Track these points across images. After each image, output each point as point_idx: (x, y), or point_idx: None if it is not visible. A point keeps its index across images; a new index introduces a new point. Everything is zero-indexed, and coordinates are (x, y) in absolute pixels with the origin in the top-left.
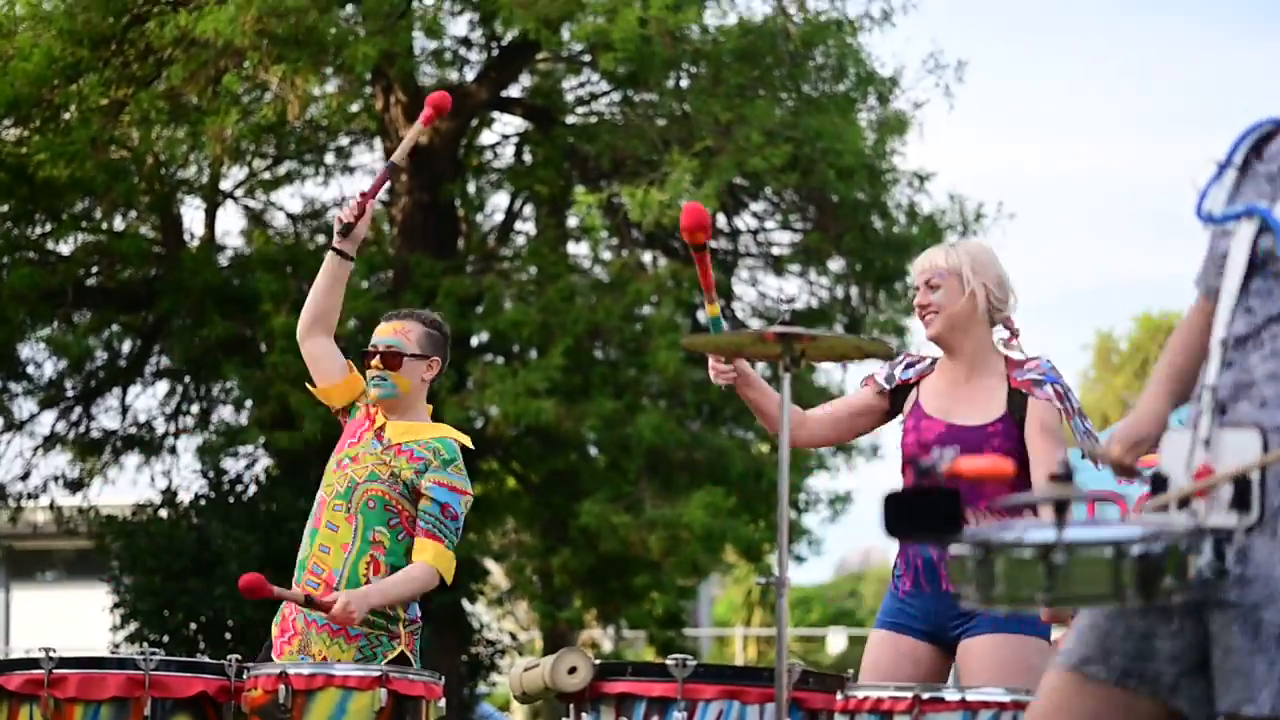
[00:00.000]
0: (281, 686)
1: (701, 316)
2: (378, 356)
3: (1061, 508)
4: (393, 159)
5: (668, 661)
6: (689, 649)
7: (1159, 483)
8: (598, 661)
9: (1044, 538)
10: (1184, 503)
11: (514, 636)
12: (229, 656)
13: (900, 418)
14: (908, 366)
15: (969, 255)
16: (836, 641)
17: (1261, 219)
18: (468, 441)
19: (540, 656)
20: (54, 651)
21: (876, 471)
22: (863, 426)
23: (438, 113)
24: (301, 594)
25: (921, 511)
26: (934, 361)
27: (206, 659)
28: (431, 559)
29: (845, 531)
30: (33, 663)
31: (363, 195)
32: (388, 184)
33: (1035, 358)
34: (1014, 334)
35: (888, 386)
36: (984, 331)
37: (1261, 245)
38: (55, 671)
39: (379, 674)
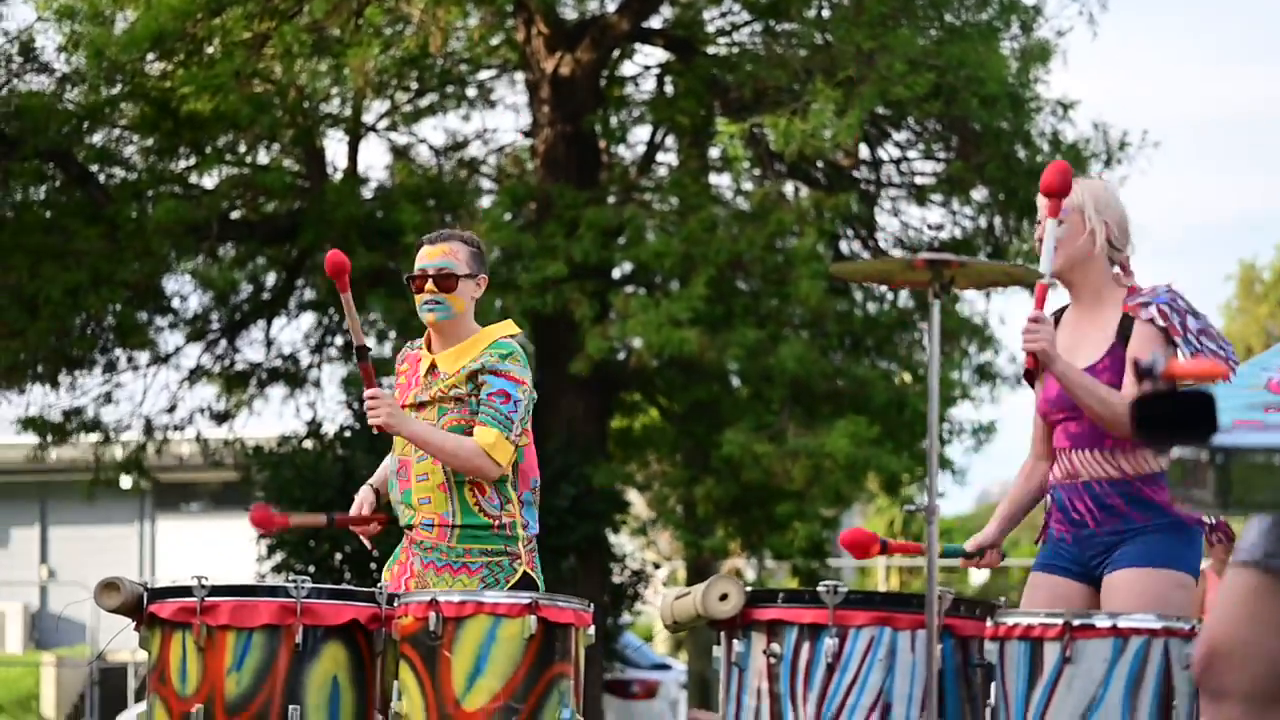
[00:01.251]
0: (432, 614)
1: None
2: (430, 280)
3: None
4: (357, 344)
5: (819, 588)
6: (832, 579)
7: None
8: (749, 589)
9: None
10: None
11: (657, 565)
12: (379, 584)
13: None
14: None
15: (1092, 193)
16: (977, 572)
17: None
18: (515, 329)
19: (686, 586)
20: (205, 580)
21: (1021, 401)
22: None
23: (335, 275)
24: (323, 517)
25: (1176, 414)
26: (1059, 311)
27: (357, 588)
28: (488, 443)
29: (988, 462)
30: (185, 590)
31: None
32: (371, 376)
33: (1155, 286)
34: (1129, 274)
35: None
36: (1103, 267)
37: None
38: (207, 600)
39: (529, 601)
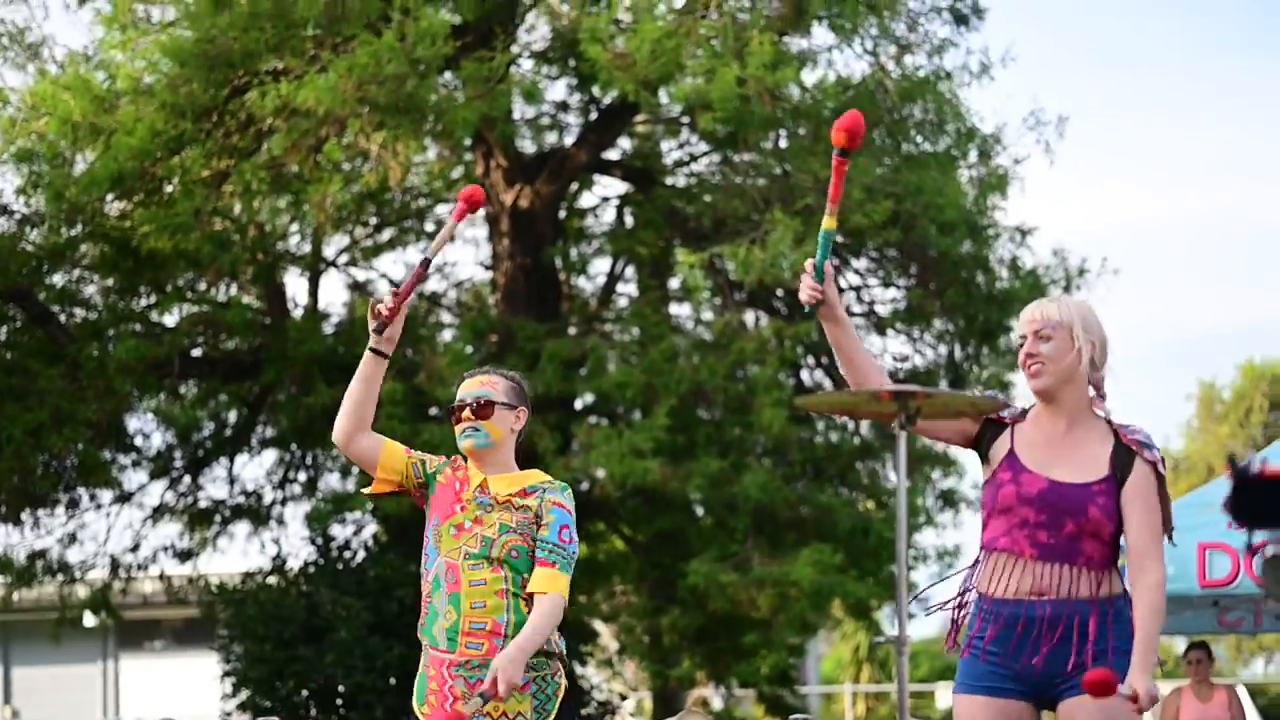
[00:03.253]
0: None
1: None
2: (467, 409)
3: None
4: (427, 254)
5: None
6: (798, 707)
7: None
8: None
9: None
10: None
11: (623, 696)
12: None
13: (988, 460)
14: (1004, 406)
15: (1079, 312)
16: (944, 696)
17: None
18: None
19: (652, 717)
20: None
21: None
22: (941, 433)
23: (471, 207)
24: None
25: (1270, 504)
26: (1025, 411)
27: None
28: (548, 585)
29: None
30: None
31: (396, 294)
32: (422, 281)
33: (1139, 427)
34: (1102, 397)
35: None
36: (1085, 388)
37: None
38: None
39: None
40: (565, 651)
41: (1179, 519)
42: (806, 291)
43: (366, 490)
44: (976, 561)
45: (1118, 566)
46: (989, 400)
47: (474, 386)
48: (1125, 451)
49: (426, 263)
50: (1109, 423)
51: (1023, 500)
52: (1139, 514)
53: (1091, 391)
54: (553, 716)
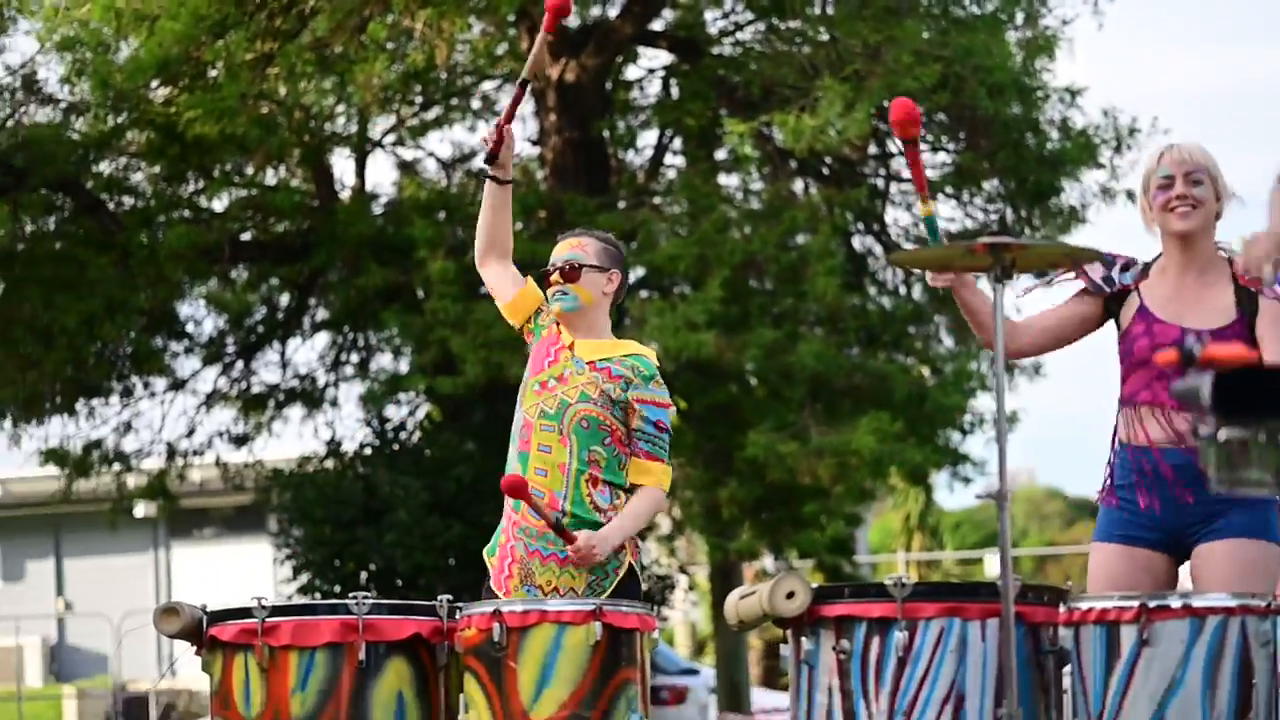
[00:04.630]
0: (496, 625)
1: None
2: (556, 271)
3: None
4: (523, 75)
5: (885, 581)
6: (856, 576)
7: None
8: (815, 586)
9: None
10: None
11: (684, 569)
12: (440, 597)
13: (1120, 323)
14: (1124, 269)
15: (1215, 162)
16: (992, 563)
17: None
18: (654, 356)
19: (711, 590)
20: (265, 600)
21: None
22: (1074, 334)
23: (557, 15)
24: (554, 516)
25: (1249, 391)
26: (1147, 266)
27: (418, 601)
28: (655, 480)
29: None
30: (245, 612)
31: (498, 123)
32: (523, 101)
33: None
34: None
35: (1107, 289)
36: (1213, 235)
37: None
38: (268, 620)
39: (593, 608)
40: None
41: None
42: (937, 280)
43: (505, 307)
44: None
45: None
46: (1086, 250)
47: (564, 250)
48: (1247, 294)
49: (525, 84)
50: (1230, 263)
51: (1158, 350)
52: (1274, 344)
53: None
54: (609, 591)
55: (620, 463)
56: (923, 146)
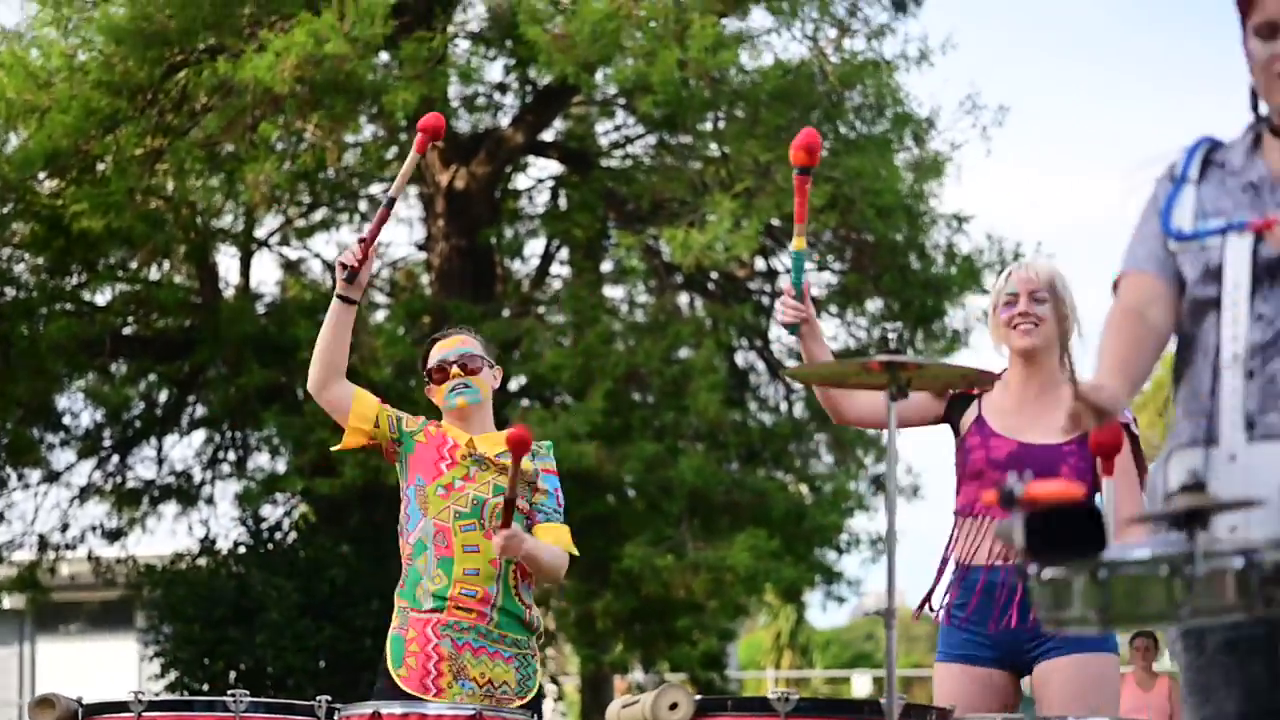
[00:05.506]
0: None
1: (785, 261)
2: (456, 365)
3: (1197, 518)
4: (390, 194)
5: (769, 695)
6: (726, 691)
7: (1224, 499)
8: (698, 697)
9: (1173, 551)
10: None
11: (555, 680)
12: (318, 698)
13: (957, 431)
14: (995, 378)
15: (1064, 282)
16: (861, 682)
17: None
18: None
19: (582, 703)
20: (143, 695)
21: (916, 512)
22: (912, 419)
23: (431, 137)
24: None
25: (1063, 531)
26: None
27: (295, 701)
28: (563, 540)
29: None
30: (122, 705)
31: (363, 240)
32: (388, 222)
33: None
34: (1070, 360)
35: (951, 390)
36: (1058, 355)
37: (1263, 254)
38: (145, 714)
39: (473, 712)
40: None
41: None
42: (789, 313)
43: (337, 447)
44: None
45: None
46: (981, 372)
47: (456, 344)
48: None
49: (391, 202)
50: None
51: (992, 464)
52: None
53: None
54: (532, 695)
55: None
56: (808, 265)
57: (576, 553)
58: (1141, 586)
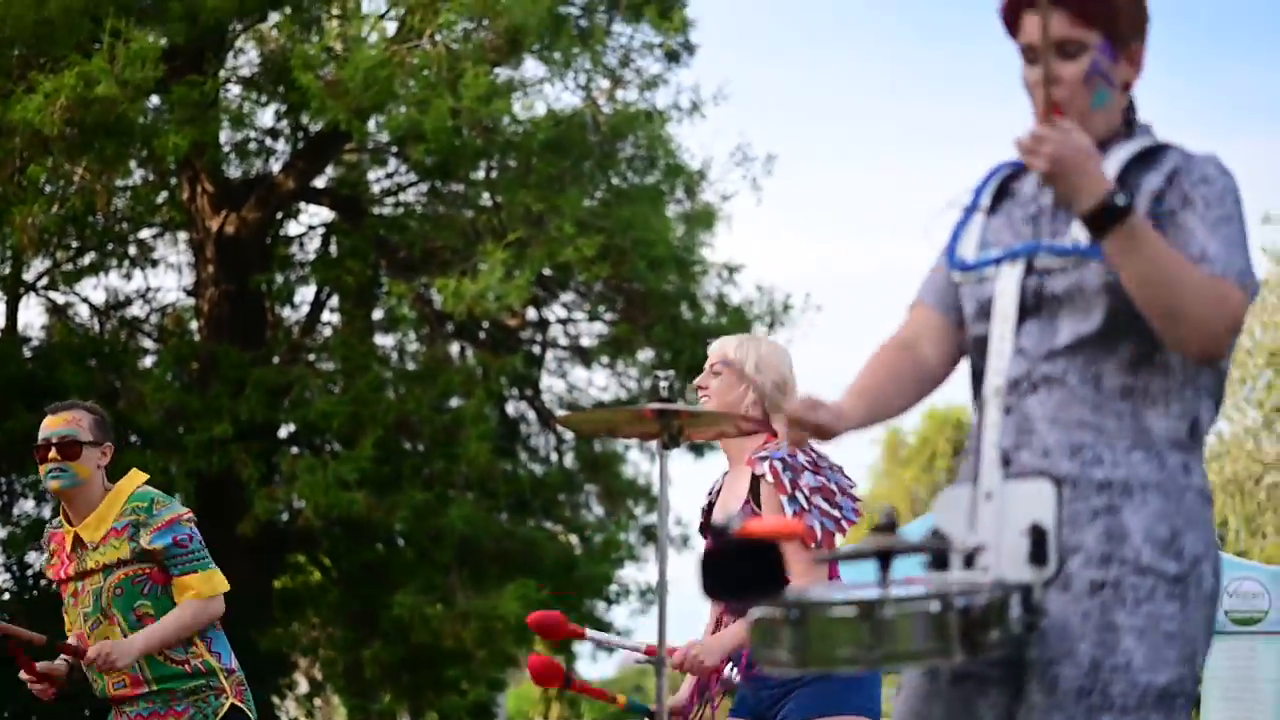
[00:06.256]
0: None
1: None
2: (53, 449)
3: (885, 559)
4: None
5: None
6: None
7: (938, 539)
8: None
9: (868, 595)
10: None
11: None
12: None
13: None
14: (710, 492)
15: (756, 352)
16: None
17: (1027, 258)
18: (142, 476)
19: None
20: None
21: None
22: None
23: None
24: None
25: (742, 572)
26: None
27: None
28: (194, 593)
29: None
30: None
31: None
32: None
33: (769, 442)
34: (776, 435)
35: (702, 520)
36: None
37: (1029, 287)
38: None
39: None
40: (236, 672)
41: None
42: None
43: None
44: None
45: None
46: (752, 420)
47: (59, 424)
48: (752, 476)
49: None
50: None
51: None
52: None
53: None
54: None
55: (173, 598)
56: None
57: (224, 588)
58: (833, 629)
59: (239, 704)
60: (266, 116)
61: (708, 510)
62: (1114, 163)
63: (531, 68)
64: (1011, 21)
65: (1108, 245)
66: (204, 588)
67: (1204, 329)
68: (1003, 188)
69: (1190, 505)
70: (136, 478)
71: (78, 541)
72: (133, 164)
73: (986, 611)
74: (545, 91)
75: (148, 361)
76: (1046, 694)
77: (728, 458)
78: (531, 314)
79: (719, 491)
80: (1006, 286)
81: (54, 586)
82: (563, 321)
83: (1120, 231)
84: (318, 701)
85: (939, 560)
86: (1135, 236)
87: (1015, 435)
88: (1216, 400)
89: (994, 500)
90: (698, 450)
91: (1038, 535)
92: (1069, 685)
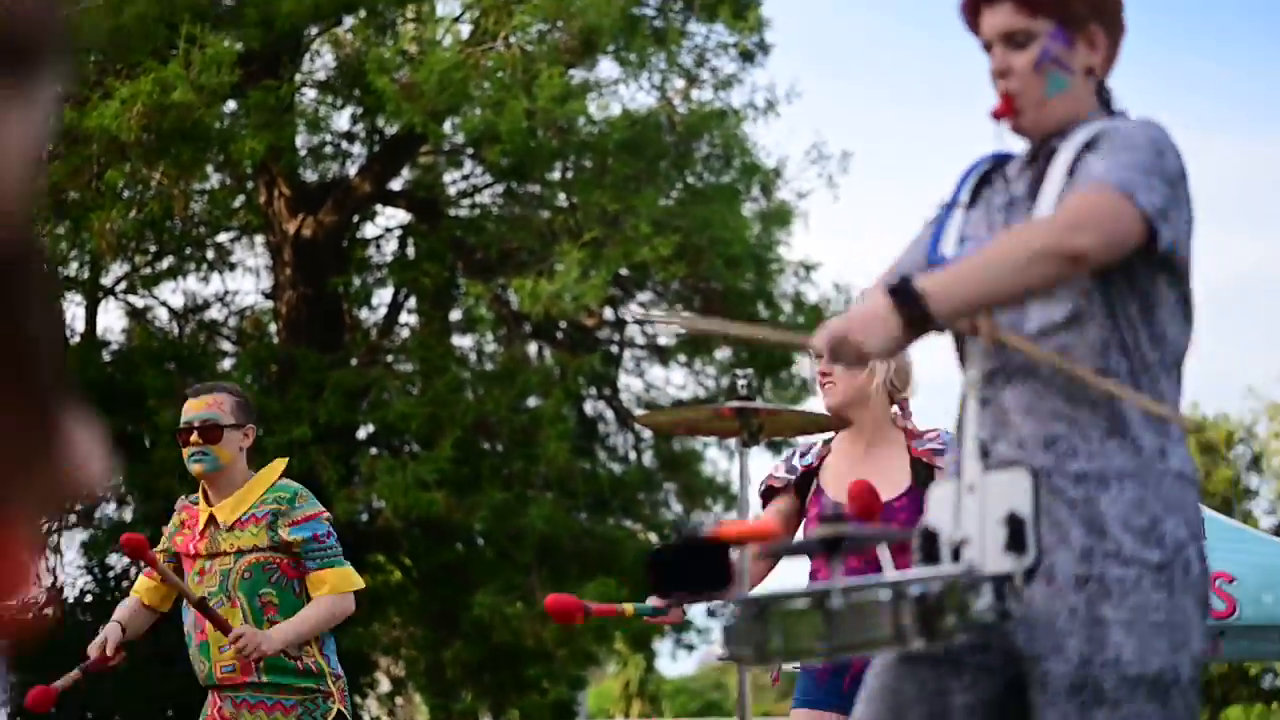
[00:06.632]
0: None
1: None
2: (195, 432)
3: (833, 547)
4: (195, 600)
5: None
6: None
7: (928, 537)
8: None
9: (816, 586)
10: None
11: None
12: None
13: (807, 510)
14: (803, 454)
15: None
16: None
17: None
18: (284, 463)
19: None
20: None
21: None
22: (790, 532)
23: (134, 554)
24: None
25: (690, 569)
26: (828, 441)
27: None
28: (329, 588)
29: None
30: None
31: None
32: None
33: (935, 429)
34: (906, 416)
35: (791, 478)
36: (883, 405)
37: None
38: None
39: None
40: (342, 677)
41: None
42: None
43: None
44: None
45: None
46: (831, 417)
47: (200, 408)
48: (921, 464)
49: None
50: (907, 434)
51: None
52: None
53: (897, 410)
54: None
55: (296, 591)
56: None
57: (359, 585)
58: (790, 621)
59: (342, 709)
60: (342, 120)
61: (803, 478)
62: (1069, 149)
63: (606, 68)
64: (973, 19)
65: (947, 318)
66: (340, 583)
67: (1068, 248)
68: (984, 181)
69: (1169, 490)
70: (279, 466)
71: (211, 520)
72: (209, 168)
73: (941, 598)
74: (620, 92)
75: (226, 364)
76: (1040, 692)
77: (854, 438)
78: (608, 313)
79: (820, 460)
80: None
81: (170, 558)
82: (639, 321)
83: (937, 302)
84: (399, 700)
85: (929, 555)
86: (949, 292)
87: (992, 427)
88: (1179, 379)
89: (975, 493)
90: (776, 448)
91: (1015, 524)
92: (1060, 683)
